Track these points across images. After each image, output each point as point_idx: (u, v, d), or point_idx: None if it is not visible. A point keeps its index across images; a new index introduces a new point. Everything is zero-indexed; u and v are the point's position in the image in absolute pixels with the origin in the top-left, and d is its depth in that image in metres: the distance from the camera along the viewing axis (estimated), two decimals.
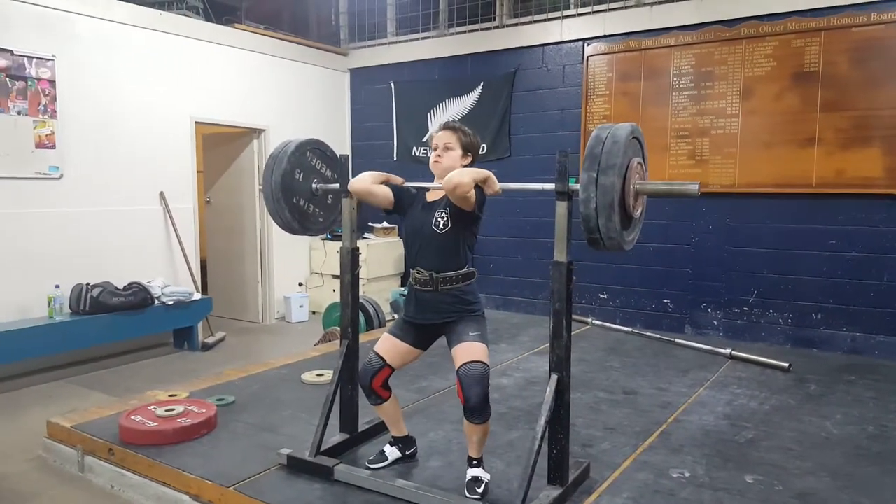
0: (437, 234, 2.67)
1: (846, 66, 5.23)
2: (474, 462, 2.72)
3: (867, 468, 3.00)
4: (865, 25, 5.15)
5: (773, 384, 4.31)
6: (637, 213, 2.35)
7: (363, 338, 5.07)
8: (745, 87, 5.60)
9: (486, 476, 2.71)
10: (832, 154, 5.30)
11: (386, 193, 2.79)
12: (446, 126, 2.78)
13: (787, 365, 4.64)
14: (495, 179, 2.58)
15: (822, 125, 5.32)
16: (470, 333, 2.65)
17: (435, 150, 2.74)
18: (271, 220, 7.48)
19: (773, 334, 5.62)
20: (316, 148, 3.07)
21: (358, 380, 2.89)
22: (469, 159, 2.76)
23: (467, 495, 2.61)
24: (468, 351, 2.61)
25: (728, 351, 5.00)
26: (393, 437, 3.02)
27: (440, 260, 2.68)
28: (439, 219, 2.67)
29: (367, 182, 2.77)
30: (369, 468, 2.87)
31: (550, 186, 2.45)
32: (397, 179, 2.84)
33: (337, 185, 3.04)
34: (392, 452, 2.98)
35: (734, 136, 5.66)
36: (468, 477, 2.70)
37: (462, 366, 2.59)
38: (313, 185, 3.04)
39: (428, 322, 2.76)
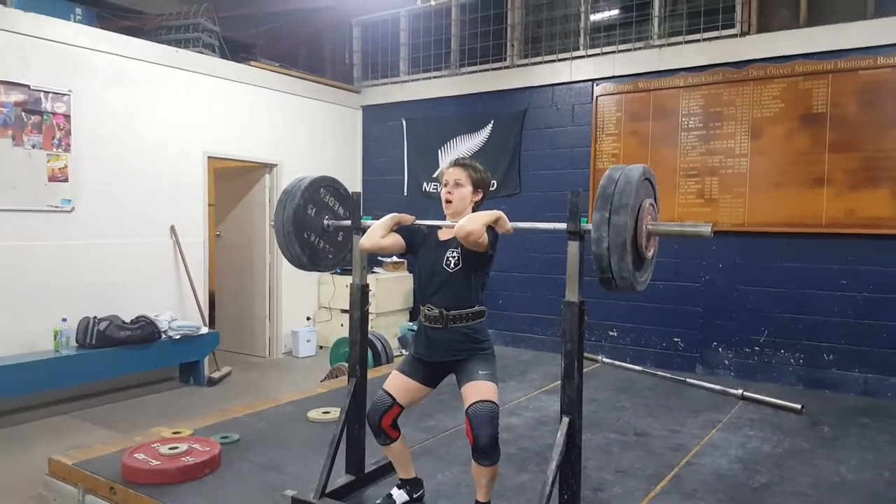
0: (448, 273, 2.67)
1: (854, 108, 5.25)
2: None
3: None
4: (872, 69, 5.19)
5: (786, 426, 4.24)
6: (649, 254, 2.34)
7: (370, 374, 5.05)
8: (754, 127, 5.63)
9: None
10: (841, 195, 5.29)
11: (396, 243, 2.78)
12: (457, 163, 2.79)
13: (799, 406, 4.57)
14: (506, 219, 2.57)
15: (831, 166, 5.33)
16: (480, 372, 2.63)
17: (445, 185, 2.74)
18: (281, 254, 7.52)
19: (785, 374, 5.55)
20: (329, 185, 3.08)
21: (367, 419, 2.85)
22: (480, 195, 2.77)
23: None
24: (478, 390, 2.59)
25: (740, 391, 4.93)
26: (401, 479, 2.96)
27: (451, 298, 2.67)
28: (450, 258, 2.67)
29: (377, 238, 2.75)
30: None
31: (562, 226, 2.44)
32: (408, 219, 2.82)
33: (348, 222, 3.04)
34: (400, 496, 2.92)
35: (743, 176, 5.67)
36: None
37: (471, 405, 2.56)
38: (325, 222, 3.05)
39: (437, 360, 2.74)
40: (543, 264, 6.67)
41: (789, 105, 5.49)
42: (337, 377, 5.61)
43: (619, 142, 6.26)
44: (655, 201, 2.41)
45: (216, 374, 6.08)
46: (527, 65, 6.89)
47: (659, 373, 5.63)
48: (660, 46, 6.10)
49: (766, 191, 5.57)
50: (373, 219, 2.91)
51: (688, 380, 5.36)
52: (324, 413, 4.23)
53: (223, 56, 6.73)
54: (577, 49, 6.59)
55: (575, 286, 2.49)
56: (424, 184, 7.54)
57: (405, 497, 2.93)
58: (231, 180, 7.47)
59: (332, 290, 7.46)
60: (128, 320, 5.47)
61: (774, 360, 5.60)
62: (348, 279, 3.07)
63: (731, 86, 5.73)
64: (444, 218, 2.80)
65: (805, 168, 5.42)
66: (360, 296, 3.06)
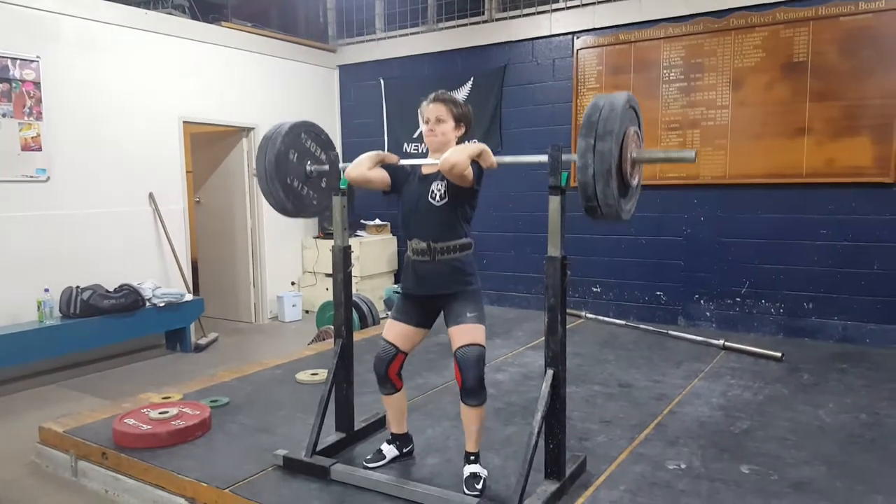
0: (434, 206, 2.66)
1: (835, 56, 5.24)
2: (472, 458, 2.72)
3: (861, 456, 3.02)
4: (853, 14, 5.16)
5: (766, 374, 4.33)
6: (634, 182, 2.33)
7: (357, 336, 5.07)
8: (735, 78, 5.61)
9: (483, 472, 2.71)
10: (822, 144, 5.32)
11: (382, 177, 2.76)
12: (437, 98, 2.74)
13: (779, 355, 4.66)
14: (490, 152, 2.58)
15: (812, 115, 5.34)
16: (468, 314, 2.65)
17: (427, 123, 2.72)
18: (263, 219, 7.43)
19: (766, 324, 5.64)
20: (310, 130, 3.04)
21: (374, 369, 2.87)
22: (462, 130, 2.75)
23: (466, 492, 2.61)
24: (466, 333, 2.63)
25: (721, 342, 5.01)
26: (392, 433, 3.00)
27: (437, 230, 2.67)
28: (436, 191, 2.66)
29: (364, 169, 2.72)
30: (367, 467, 2.86)
31: (544, 158, 2.42)
32: (392, 158, 2.79)
33: (328, 167, 3.03)
34: (390, 451, 2.97)
35: (724, 128, 5.67)
36: (466, 473, 2.69)
37: (459, 348, 2.61)
38: (307, 167, 3.01)
39: (426, 294, 2.75)
40: (527, 223, 6.67)
41: (770, 54, 5.47)
42: (324, 340, 5.63)
43: None
44: (640, 129, 2.38)
45: (203, 341, 6.08)
46: (506, 18, 6.79)
47: (642, 326, 5.71)
48: None
49: (747, 142, 5.58)
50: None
51: (670, 332, 5.44)
52: (312, 375, 4.26)
53: (194, 17, 6.56)
54: (557, 1, 6.49)
55: (557, 241, 2.50)
56: (405, 144, 7.47)
57: (395, 452, 2.98)
58: (208, 146, 7.36)
59: (317, 254, 7.44)
60: (111, 289, 5.43)
61: (755, 311, 5.69)
62: (332, 243, 3.06)
63: (713, 36, 5.68)
64: None
65: (786, 118, 5.43)
66: (343, 257, 3.05)
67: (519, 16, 6.68)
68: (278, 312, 7.28)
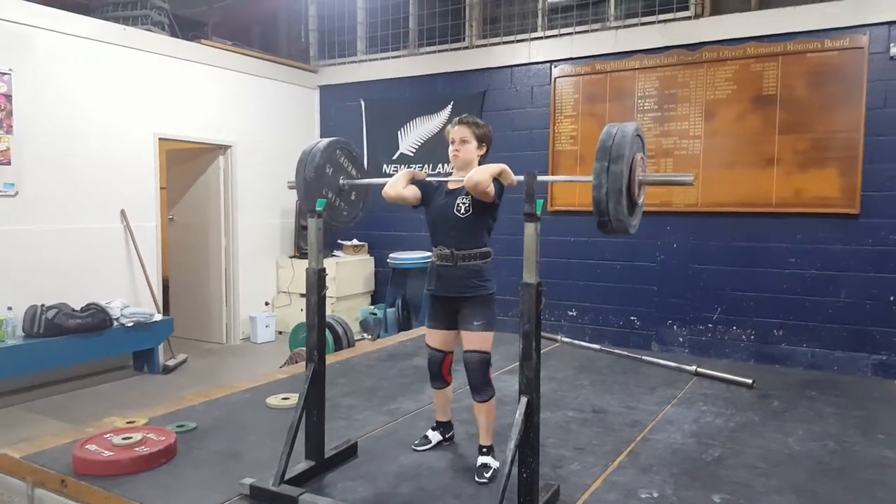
0: (459, 218, 2.96)
1: (803, 90, 5.38)
2: (483, 450, 2.98)
3: (829, 484, 3.04)
4: (819, 51, 5.32)
5: (737, 401, 4.35)
6: (640, 201, 2.55)
7: (331, 359, 5.02)
8: (707, 109, 5.72)
9: (494, 463, 2.93)
10: (791, 174, 5.43)
11: (415, 194, 3.04)
12: (461, 121, 3.03)
13: (750, 381, 4.69)
14: (510, 172, 2.82)
15: (781, 146, 5.46)
16: (475, 323, 2.96)
17: (452, 143, 3.01)
18: (237, 237, 7.38)
19: (737, 350, 5.70)
20: (344, 147, 3.23)
21: (428, 368, 3.23)
22: (484, 149, 3.05)
23: (476, 479, 2.85)
24: (473, 340, 2.97)
25: (693, 367, 5.04)
26: (437, 421, 3.35)
27: (460, 239, 2.97)
28: (461, 204, 2.95)
29: (399, 188, 3.00)
30: (416, 450, 3.24)
31: (583, 178, 2.68)
32: (421, 175, 3.11)
33: (363, 181, 3.24)
34: (434, 436, 3.31)
35: (697, 157, 5.77)
36: (478, 463, 2.95)
37: (466, 353, 2.97)
38: (341, 181, 3.18)
39: (448, 294, 3.04)
40: (503, 245, 6.66)
41: (741, 87, 5.59)
42: (297, 362, 5.55)
43: (577, 123, 6.30)
44: (644, 154, 2.60)
45: (171, 362, 5.97)
46: (486, 45, 6.87)
47: (616, 351, 5.72)
48: (616, 28, 6.13)
49: (719, 171, 5.69)
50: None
51: (644, 357, 5.45)
52: (283, 399, 4.18)
53: (173, 34, 6.53)
54: (536, 30, 6.59)
55: (532, 267, 2.50)
56: (385, 165, 7.48)
57: (439, 437, 3.33)
58: (184, 162, 7.30)
59: (292, 273, 7.38)
60: (77, 308, 5.32)
61: (727, 337, 5.75)
62: (307, 263, 3.05)
63: (686, 68, 5.80)
64: None
65: (756, 149, 5.55)
66: (317, 280, 3.02)
67: (499, 43, 6.77)
68: (251, 333, 7.18)
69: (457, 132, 3.00)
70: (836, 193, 5.31)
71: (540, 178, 2.67)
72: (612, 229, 2.41)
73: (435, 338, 3.18)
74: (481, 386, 2.97)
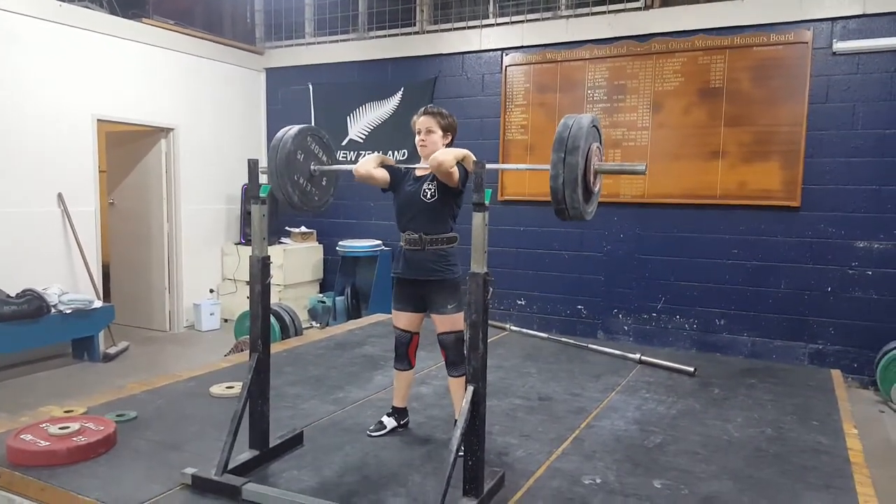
0: (425, 203, 3.07)
1: (748, 84, 5.51)
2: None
3: (766, 470, 3.14)
4: (765, 45, 5.45)
5: (679, 388, 4.46)
6: (596, 189, 2.64)
7: (278, 347, 4.94)
8: (655, 100, 5.81)
9: None
10: (735, 167, 5.57)
11: (384, 176, 3.15)
12: (426, 112, 3.14)
13: (692, 369, 4.81)
14: (472, 156, 2.88)
15: (727, 139, 5.58)
16: (448, 306, 3.11)
17: (419, 134, 3.12)
18: (181, 223, 7.20)
19: (680, 339, 5.84)
20: (315, 134, 3.26)
21: (395, 349, 3.34)
22: (449, 138, 3.16)
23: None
24: (446, 322, 3.13)
25: (637, 356, 5.14)
26: (393, 407, 3.42)
27: (428, 224, 3.09)
28: (427, 190, 3.07)
29: (370, 168, 3.11)
30: (371, 436, 3.28)
31: (540, 167, 2.63)
32: (390, 160, 3.24)
33: (333, 167, 3.28)
34: (389, 422, 3.37)
35: (644, 149, 5.86)
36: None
37: (441, 334, 3.16)
38: (311, 167, 3.19)
39: (415, 277, 3.16)
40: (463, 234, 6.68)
41: (689, 79, 5.70)
42: (242, 351, 5.45)
43: (527, 112, 6.32)
44: (601, 144, 2.68)
45: (112, 350, 5.79)
46: (437, 31, 6.82)
47: (563, 339, 5.80)
48: (567, 17, 6.16)
49: (666, 163, 5.79)
50: (271, 188, 3.02)
51: (590, 345, 5.54)
52: (227, 388, 4.10)
53: (112, 12, 6.28)
54: (487, 17, 6.57)
55: (480, 257, 2.50)
56: (336, 152, 7.37)
57: (394, 423, 3.38)
58: (124, 145, 7.05)
59: (237, 260, 7.23)
60: (13, 294, 5.10)
61: (670, 326, 5.88)
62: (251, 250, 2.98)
63: (635, 59, 5.87)
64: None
65: (702, 141, 5.66)
66: (261, 268, 2.96)
67: (450, 29, 6.73)
68: (195, 321, 7.02)
69: (422, 122, 3.11)
70: (778, 186, 5.47)
71: (497, 166, 2.71)
72: (569, 216, 2.51)
73: (402, 320, 3.29)
74: (457, 361, 3.08)
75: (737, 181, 5.57)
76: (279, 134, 3.14)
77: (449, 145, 3.16)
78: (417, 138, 3.15)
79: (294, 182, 3.10)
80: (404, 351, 3.33)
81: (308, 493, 2.73)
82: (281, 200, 3.17)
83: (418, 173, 3.18)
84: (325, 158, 3.31)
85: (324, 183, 3.34)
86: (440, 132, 3.12)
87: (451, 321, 3.11)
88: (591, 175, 2.54)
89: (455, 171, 2.91)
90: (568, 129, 2.47)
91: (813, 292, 5.49)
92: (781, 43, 5.40)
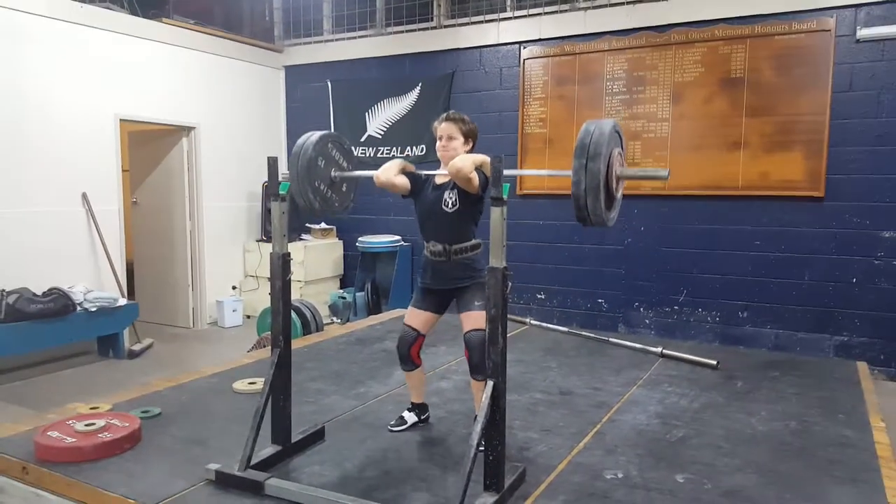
0: (447, 213, 3.06)
1: (770, 73, 5.43)
2: None
3: (791, 463, 3.11)
4: (787, 34, 5.36)
5: (702, 382, 4.42)
6: (618, 195, 2.62)
7: (299, 343, 4.98)
8: (675, 91, 5.75)
9: None
10: (757, 157, 5.49)
11: (404, 183, 3.14)
12: (448, 118, 3.13)
13: (715, 362, 4.77)
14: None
15: (748, 130, 5.51)
16: (476, 303, 3.06)
17: (440, 140, 3.12)
18: (203, 221, 7.27)
19: (702, 332, 5.79)
20: (336, 140, 3.29)
21: (397, 349, 3.27)
22: (470, 145, 3.15)
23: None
24: (473, 320, 3.05)
25: (659, 349, 5.10)
26: (412, 402, 3.41)
27: (451, 234, 3.08)
28: (448, 199, 3.05)
29: (391, 175, 3.09)
30: (392, 431, 3.28)
31: (561, 172, 2.57)
32: (411, 167, 3.22)
33: (353, 174, 3.29)
34: (410, 417, 3.37)
35: (664, 140, 5.80)
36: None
37: (467, 332, 3.06)
38: (332, 173, 3.20)
39: (443, 288, 3.17)
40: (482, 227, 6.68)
41: (709, 69, 5.63)
42: (264, 347, 5.50)
43: (545, 106, 6.28)
44: (623, 149, 2.66)
45: (137, 347, 5.88)
46: (454, 25, 6.80)
47: (584, 333, 5.77)
48: (585, 9, 6.11)
49: (686, 154, 5.73)
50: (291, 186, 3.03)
51: (611, 339, 5.50)
52: (250, 384, 4.14)
53: (132, 12, 6.35)
54: (505, 10, 6.54)
55: (499, 252, 2.50)
56: (353, 148, 7.38)
57: (415, 418, 3.38)
58: (146, 144, 7.14)
59: (259, 257, 7.29)
60: (39, 293, 5.20)
61: (692, 319, 5.83)
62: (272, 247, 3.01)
63: (654, 50, 5.81)
64: None
65: (723, 132, 5.59)
66: (281, 265, 2.98)
67: (467, 23, 6.71)
68: (218, 318, 7.10)
69: (444, 129, 3.10)
70: (801, 177, 5.39)
71: (517, 172, 2.71)
72: (591, 223, 2.48)
73: (417, 318, 3.24)
74: (481, 363, 2.98)
75: (759, 172, 5.50)
76: (300, 140, 3.15)
77: (470, 151, 3.15)
78: (438, 144, 3.14)
79: (315, 189, 3.11)
80: (406, 350, 3.26)
81: (329, 488, 2.75)
82: (302, 207, 3.17)
83: (438, 181, 3.15)
84: (345, 164, 3.33)
85: (344, 189, 3.35)
86: (461, 138, 3.11)
87: (477, 318, 3.04)
88: (614, 181, 2.52)
89: (474, 176, 2.88)
90: (590, 135, 2.44)
91: (838, 283, 5.41)
92: (804, 31, 5.31)
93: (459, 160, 2.87)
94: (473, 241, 3.13)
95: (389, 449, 3.20)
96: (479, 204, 3.10)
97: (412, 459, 3.05)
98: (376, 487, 2.80)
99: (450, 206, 3.05)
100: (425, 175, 3.19)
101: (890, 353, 5.30)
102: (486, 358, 2.81)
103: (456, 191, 3.01)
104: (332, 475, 2.89)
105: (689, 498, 2.74)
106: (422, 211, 3.18)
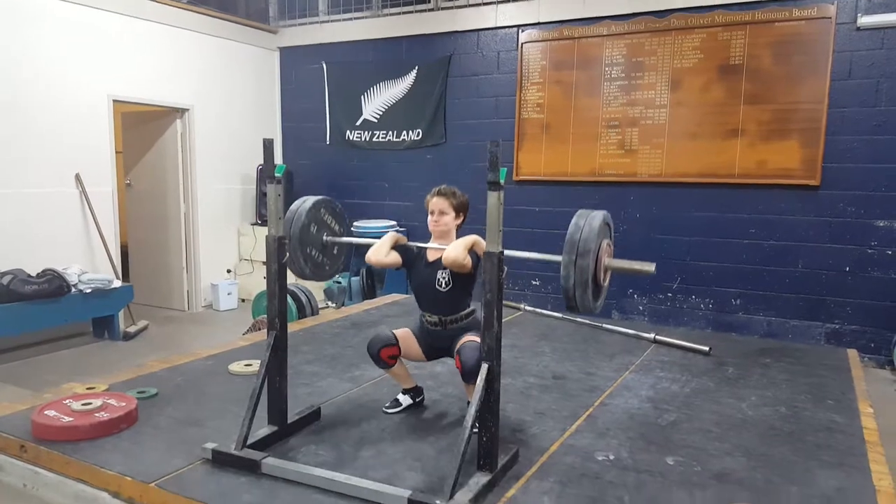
0: (441, 292, 3.11)
1: (768, 60, 5.42)
2: None
3: (779, 448, 3.14)
4: (787, 21, 5.35)
5: (694, 367, 4.45)
6: (605, 283, 2.71)
7: (295, 326, 4.99)
8: (674, 78, 5.74)
9: None
10: (754, 146, 5.50)
11: (395, 260, 3.17)
12: (439, 193, 3.18)
13: (707, 349, 4.80)
14: (482, 241, 2.87)
15: (745, 117, 5.51)
16: (469, 335, 3.11)
17: (431, 214, 3.15)
18: (197, 203, 7.27)
19: (696, 319, 5.83)
20: (329, 205, 3.31)
21: (367, 349, 3.20)
22: (461, 218, 3.21)
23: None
24: (467, 337, 3.10)
25: (652, 335, 5.13)
26: (404, 388, 3.41)
27: (446, 309, 3.15)
28: (441, 279, 3.10)
29: (382, 255, 3.12)
30: (386, 413, 3.29)
31: (552, 258, 2.61)
32: (403, 239, 3.23)
33: (345, 239, 3.34)
34: (405, 399, 3.39)
35: (662, 127, 5.81)
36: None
37: (461, 344, 3.07)
38: (324, 238, 3.26)
39: (438, 347, 3.22)
40: (478, 214, 6.68)
41: (708, 56, 5.62)
42: (259, 330, 5.52)
43: (543, 91, 6.27)
44: (611, 238, 2.76)
45: (132, 329, 5.88)
46: (451, 8, 6.77)
47: (578, 319, 5.79)
48: None
49: (684, 142, 5.73)
50: (287, 168, 3.03)
51: (604, 325, 5.53)
52: (245, 366, 4.15)
53: None
54: None
55: (495, 236, 2.51)
56: (348, 132, 7.37)
57: (409, 401, 3.40)
58: (140, 126, 7.10)
59: (254, 241, 7.28)
60: (33, 274, 5.19)
61: (686, 306, 5.86)
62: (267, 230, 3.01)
63: (653, 35, 5.80)
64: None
65: (721, 119, 5.60)
66: (277, 248, 2.98)
67: (465, 6, 6.67)
68: (213, 300, 7.10)
69: (435, 204, 3.14)
70: (797, 165, 5.40)
71: (512, 253, 2.70)
72: (578, 312, 2.60)
73: (405, 336, 3.23)
74: (474, 369, 2.90)
75: (755, 160, 5.51)
76: (293, 206, 3.18)
77: (461, 225, 3.20)
78: (430, 219, 3.16)
79: (307, 255, 3.17)
80: (376, 351, 3.18)
81: (326, 467, 2.77)
82: (294, 273, 3.21)
83: (430, 256, 3.17)
84: (337, 228, 3.36)
85: (335, 252, 3.40)
86: (453, 213, 3.15)
87: (471, 336, 3.09)
88: (602, 272, 2.62)
89: (468, 261, 2.93)
90: (579, 231, 2.52)
91: (831, 272, 5.44)
92: (804, 18, 5.31)
93: (452, 251, 2.91)
94: (468, 310, 3.18)
95: (385, 430, 3.23)
96: (473, 280, 3.12)
97: (407, 440, 3.07)
98: (372, 467, 2.83)
99: (443, 285, 3.09)
100: (417, 248, 3.22)
101: (880, 342, 5.35)
102: (478, 366, 2.75)
103: (448, 271, 3.05)
104: (328, 455, 2.92)
105: (678, 480, 2.77)
106: (416, 285, 3.22)
